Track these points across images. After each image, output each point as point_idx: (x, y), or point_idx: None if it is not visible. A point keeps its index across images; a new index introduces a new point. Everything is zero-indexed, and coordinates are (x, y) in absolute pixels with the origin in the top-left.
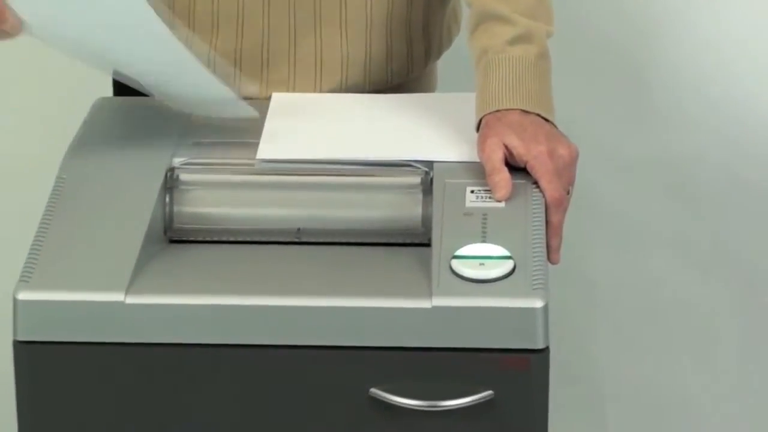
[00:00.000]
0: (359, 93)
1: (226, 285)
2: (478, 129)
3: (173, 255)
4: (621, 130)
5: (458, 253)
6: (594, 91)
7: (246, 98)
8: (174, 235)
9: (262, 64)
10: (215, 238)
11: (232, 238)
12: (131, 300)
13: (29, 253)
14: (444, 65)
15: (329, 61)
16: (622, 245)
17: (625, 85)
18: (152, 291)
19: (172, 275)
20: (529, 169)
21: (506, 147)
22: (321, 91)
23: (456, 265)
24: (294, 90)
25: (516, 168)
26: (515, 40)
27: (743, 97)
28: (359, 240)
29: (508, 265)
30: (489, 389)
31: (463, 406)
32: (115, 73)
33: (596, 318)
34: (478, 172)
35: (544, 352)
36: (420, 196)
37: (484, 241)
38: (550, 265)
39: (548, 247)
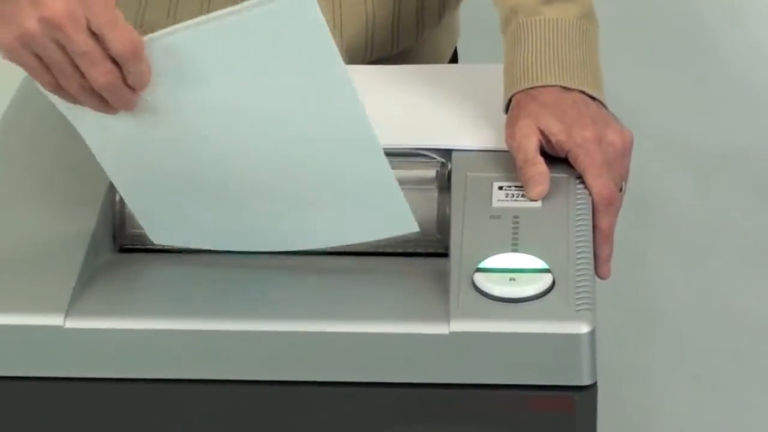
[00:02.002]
0: (356, 63)
1: (192, 306)
2: (507, 110)
3: (125, 267)
4: (689, 117)
5: (483, 265)
6: (656, 70)
7: None
8: (125, 242)
9: None
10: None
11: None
12: (72, 324)
13: None
14: (465, 16)
15: (352, 21)
16: (690, 256)
17: (694, 65)
18: (99, 313)
19: (124, 292)
20: (571, 160)
21: (542, 132)
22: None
23: (480, 280)
24: None
25: (555, 159)
26: None
27: None
28: (359, 249)
29: (546, 280)
30: None
31: None
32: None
33: (656, 347)
34: (507, 163)
35: (591, 389)
36: (435, 193)
37: (515, 251)
38: (598, 280)
39: (596, 257)
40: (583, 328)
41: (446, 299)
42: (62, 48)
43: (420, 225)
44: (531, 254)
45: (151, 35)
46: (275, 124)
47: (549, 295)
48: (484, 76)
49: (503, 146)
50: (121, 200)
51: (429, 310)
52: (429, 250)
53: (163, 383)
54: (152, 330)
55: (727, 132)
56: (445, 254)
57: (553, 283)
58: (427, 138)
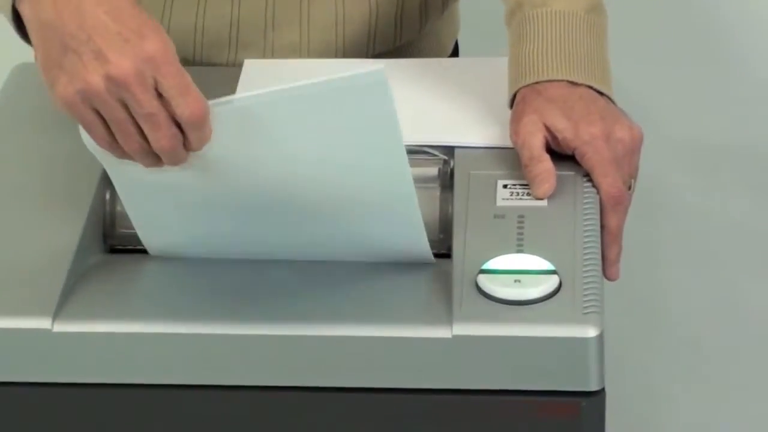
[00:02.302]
0: (358, 57)
1: (185, 308)
2: (511, 105)
3: (115, 268)
4: (699, 113)
5: (487, 266)
6: (666, 65)
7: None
8: (116, 243)
9: (265, 27)
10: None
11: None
12: (60, 328)
13: None
14: (465, 7)
15: (354, 15)
16: (701, 256)
17: (704, 61)
18: (88, 316)
19: (114, 295)
20: (578, 158)
21: (548, 129)
22: (345, 56)
23: (484, 281)
24: (308, 57)
25: (561, 156)
26: None
27: None
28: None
29: (552, 281)
30: None
31: None
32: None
33: (666, 351)
34: (511, 161)
35: (599, 395)
36: (437, 192)
37: (520, 252)
38: (606, 281)
39: (604, 258)
40: (591, 332)
41: (449, 302)
42: (125, 106)
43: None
44: (536, 255)
45: (217, 101)
46: (322, 166)
47: (555, 298)
48: (487, 70)
49: (508, 143)
50: (112, 199)
51: (431, 312)
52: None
53: (155, 389)
54: (144, 334)
55: (739, 129)
56: (447, 255)
57: (560, 285)
58: (428, 135)
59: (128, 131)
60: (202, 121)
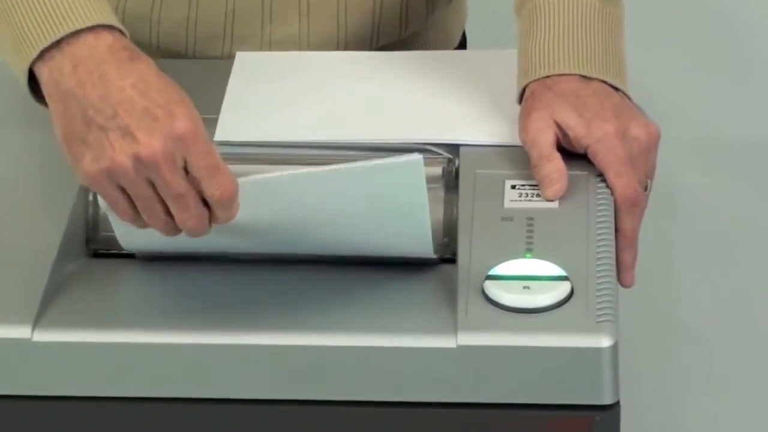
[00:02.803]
0: (362, 50)
1: (172, 317)
2: (520, 101)
3: (98, 274)
4: (719, 109)
5: (494, 271)
6: (684, 59)
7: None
8: (99, 247)
9: (263, 19)
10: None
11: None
12: (40, 337)
13: None
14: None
15: (357, 6)
16: (721, 260)
17: (724, 55)
18: (69, 324)
19: (97, 302)
20: (591, 156)
21: (559, 126)
22: (347, 50)
23: (491, 288)
24: (308, 50)
25: (573, 155)
26: None
27: None
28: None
29: (564, 288)
30: None
31: None
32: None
33: (684, 361)
34: (520, 159)
35: (613, 409)
36: (441, 192)
37: (529, 256)
38: (620, 288)
39: (618, 263)
40: (605, 342)
41: (453, 309)
42: (152, 185)
43: None
44: (547, 260)
45: (247, 179)
46: (341, 221)
47: (567, 305)
48: (495, 63)
49: (516, 141)
50: (95, 201)
51: (434, 321)
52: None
53: (141, 402)
54: (129, 344)
55: (760, 127)
56: (452, 260)
57: (572, 291)
58: (432, 132)
59: (155, 210)
60: (232, 201)
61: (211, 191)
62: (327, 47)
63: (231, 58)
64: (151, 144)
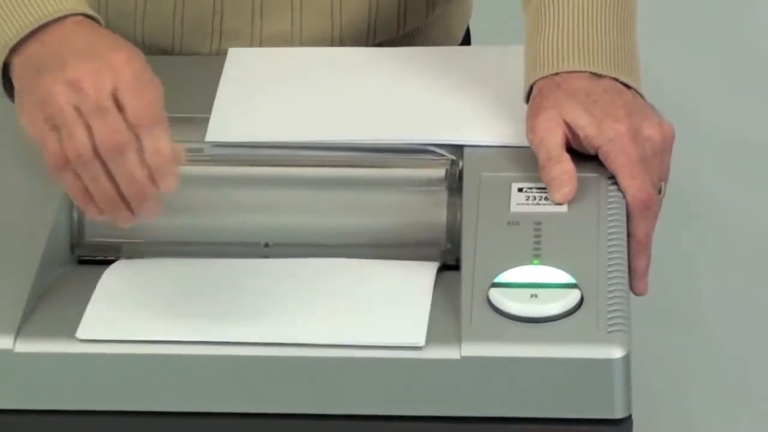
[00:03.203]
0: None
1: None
2: (527, 99)
3: (84, 281)
4: (738, 107)
5: (500, 279)
6: (700, 55)
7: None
8: (84, 253)
9: (253, 14)
10: (144, 258)
11: (169, 257)
12: (23, 348)
13: None
14: None
15: (353, 0)
16: (740, 268)
17: (742, 50)
18: (54, 335)
19: (83, 311)
20: (602, 158)
21: (568, 125)
22: (342, 45)
23: (496, 296)
24: (301, 46)
25: (583, 156)
26: None
27: None
28: (360, 254)
29: (573, 296)
30: None
31: None
32: None
33: (700, 374)
34: (527, 161)
35: (625, 423)
36: (444, 196)
37: (537, 263)
38: (633, 296)
39: (631, 270)
40: (616, 353)
41: (457, 319)
42: (78, 110)
43: (425, 232)
44: (555, 267)
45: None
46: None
47: (576, 314)
48: (500, 60)
49: (523, 141)
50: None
51: (437, 331)
52: (438, 262)
53: (127, 416)
54: (115, 355)
55: None
56: (456, 266)
57: (581, 300)
58: (435, 132)
59: (74, 130)
60: (152, 123)
61: (129, 109)
62: (321, 44)
63: (220, 54)
64: (80, 68)
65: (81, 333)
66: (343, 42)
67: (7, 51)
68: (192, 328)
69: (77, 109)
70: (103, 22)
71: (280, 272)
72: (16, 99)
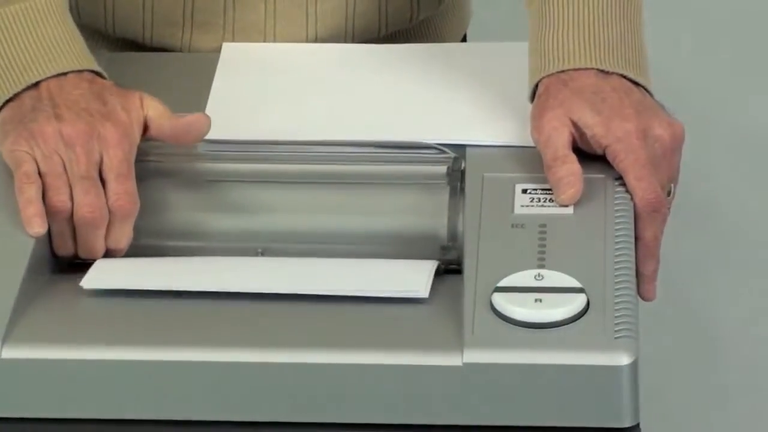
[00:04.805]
0: (370, 39)
1: (152, 332)
2: (532, 98)
3: (72, 287)
4: (751, 107)
5: (503, 283)
6: (713, 50)
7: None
8: (72, 258)
9: (225, 4)
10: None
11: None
12: (9, 354)
13: None
14: None
15: None
16: (754, 271)
17: (759, 43)
18: (41, 340)
19: (71, 317)
20: (609, 158)
21: (575, 125)
22: (318, 41)
23: (500, 300)
24: (274, 40)
25: (590, 156)
26: None
27: None
28: (359, 256)
29: (579, 301)
30: None
31: None
32: None
33: (711, 382)
34: (532, 161)
35: None
36: (446, 197)
37: (542, 267)
38: (641, 301)
39: (639, 275)
40: (624, 359)
41: (459, 324)
42: (63, 166)
43: (426, 234)
44: (560, 271)
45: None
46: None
47: (582, 320)
48: (504, 57)
49: (527, 141)
50: None
51: (438, 337)
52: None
53: (116, 424)
54: (104, 361)
55: None
56: (458, 270)
57: (587, 305)
58: (436, 132)
59: (58, 186)
60: (126, 216)
61: (112, 194)
62: (295, 35)
63: (191, 47)
64: (76, 125)
65: (86, 283)
66: (318, 35)
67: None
68: (195, 276)
69: (64, 164)
70: (106, 75)
71: (276, 271)
72: (1, 133)
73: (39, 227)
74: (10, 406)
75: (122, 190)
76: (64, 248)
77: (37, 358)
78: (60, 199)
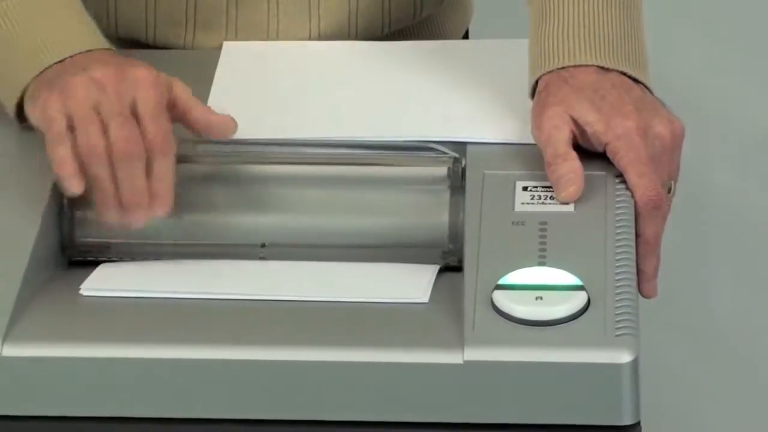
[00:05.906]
0: (373, 36)
1: (155, 330)
2: (533, 95)
3: (75, 283)
4: (753, 103)
5: (504, 280)
6: (713, 47)
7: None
8: (75, 254)
9: (227, 3)
10: (137, 259)
11: (162, 258)
12: (11, 351)
13: None
14: None
15: None
16: (756, 269)
17: (762, 39)
18: (43, 338)
19: (73, 314)
20: (610, 155)
21: (575, 122)
22: (320, 39)
23: (500, 298)
24: (277, 39)
25: (590, 153)
26: None
27: None
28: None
29: (579, 298)
30: None
31: None
32: None
33: (713, 380)
34: (532, 159)
35: (634, 430)
36: (446, 195)
37: (542, 264)
38: (642, 299)
39: (639, 272)
40: (624, 357)
41: (460, 322)
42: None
43: (427, 233)
44: (561, 268)
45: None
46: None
47: (583, 318)
48: (504, 54)
49: (528, 139)
50: (70, 204)
51: (439, 334)
52: (439, 263)
53: (117, 422)
54: (107, 359)
55: None
56: (458, 268)
57: (588, 302)
58: (437, 129)
59: (93, 128)
60: (165, 151)
61: (148, 133)
62: (298, 33)
63: (194, 46)
64: (106, 71)
65: (85, 290)
66: (322, 32)
67: (20, 89)
68: (195, 282)
69: (96, 107)
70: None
71: (276, 277)
72: (30, 103)
73: (75, 188)
74: (10, 404)
75: (157, 128)
76: (105, 202)
77: (38, 356)
78: (95, 137)
